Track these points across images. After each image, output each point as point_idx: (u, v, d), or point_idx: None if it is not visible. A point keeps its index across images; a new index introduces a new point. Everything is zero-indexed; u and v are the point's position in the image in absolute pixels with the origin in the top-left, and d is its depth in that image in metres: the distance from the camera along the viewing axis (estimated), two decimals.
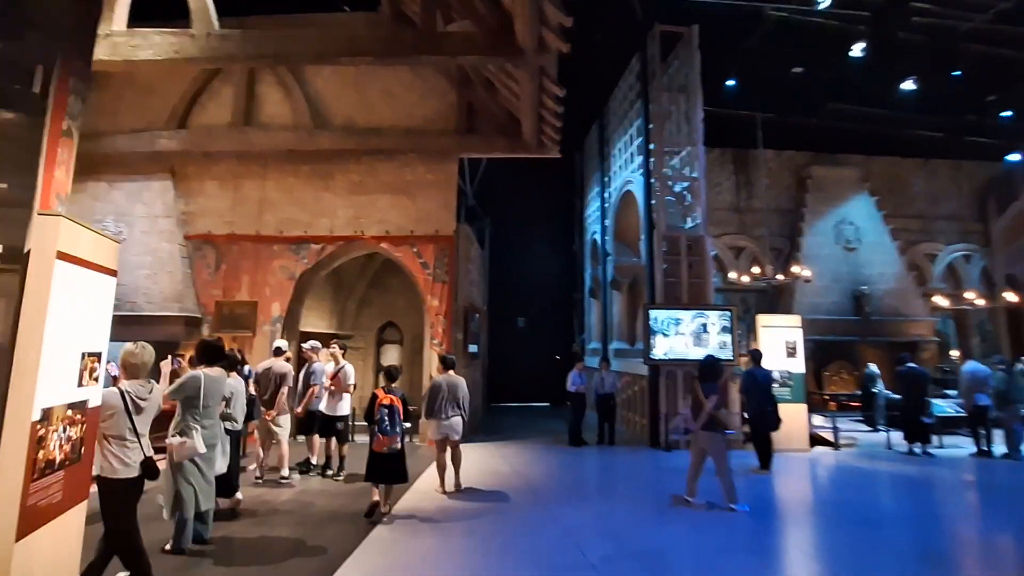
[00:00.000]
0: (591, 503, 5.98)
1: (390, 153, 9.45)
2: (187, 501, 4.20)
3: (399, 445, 5.25)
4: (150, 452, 3.70)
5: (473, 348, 10.87)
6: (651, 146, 9.94)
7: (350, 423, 7.30)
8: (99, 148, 9.71)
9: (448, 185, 9.55)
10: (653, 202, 9.82)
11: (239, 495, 5.42)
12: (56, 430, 2.53)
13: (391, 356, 14.26)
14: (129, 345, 3.67)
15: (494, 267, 14.76)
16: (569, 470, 7.61)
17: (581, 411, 9.24)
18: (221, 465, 5.12)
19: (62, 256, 2.48)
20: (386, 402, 5.23)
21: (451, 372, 6.41)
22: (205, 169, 9.76)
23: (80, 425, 2.77)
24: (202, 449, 4.25)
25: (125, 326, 9.18)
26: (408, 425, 5.45)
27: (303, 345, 7.43)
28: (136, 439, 3.58)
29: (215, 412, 4.56)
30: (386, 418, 5.15)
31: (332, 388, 6.78)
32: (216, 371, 4.59)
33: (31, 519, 2.37)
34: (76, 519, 2.84)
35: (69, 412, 2.65)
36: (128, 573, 3.57)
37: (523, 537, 4.75)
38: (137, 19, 6.83)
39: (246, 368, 7.06)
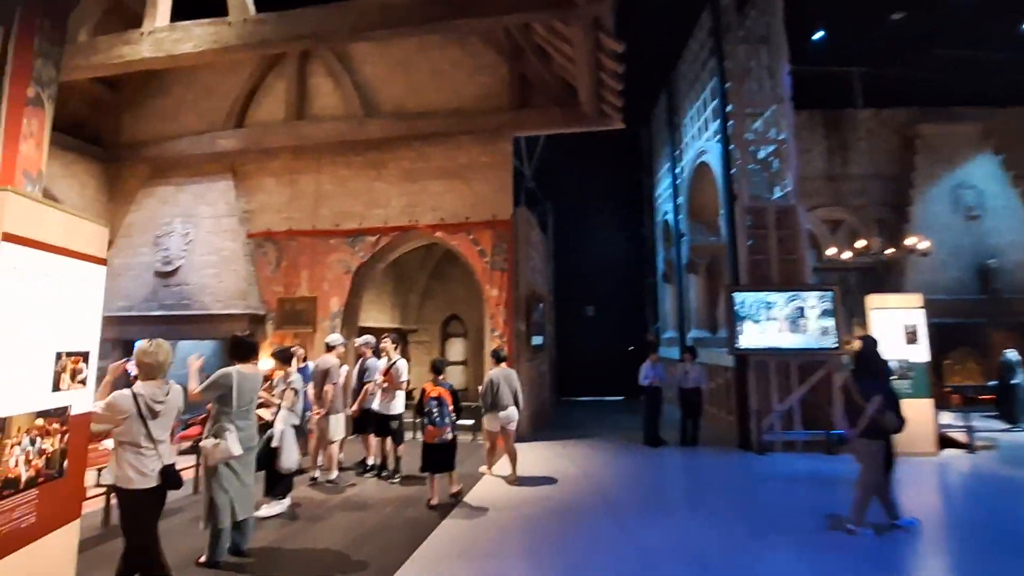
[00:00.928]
0: (673, 517, 5.11)
1: (441, 136, 8.97)
2: (222, 509, 3.87)
3: (449, 436, 5.35)
4: (171, 459, 3.37)
5: (538, 340, 10.23)
6: (728, 107, 8.78)
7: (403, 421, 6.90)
8: (164, 152, 10.00)
9: (503, 166, 8.93)
10: (733, 171, 8.68)
11: (286, 500, 5.15)
12: (17, 443, 2.14)
13: (456, 350, 13.94)
14: (143, 343, 3.34)
15: (559, 253, 14.02)
16: (646, 474, 6.76)
17: (656, 407, 8.33)
18: (290, 460, 4.96)
19: (9, 237, 2.07)
20: (434, 394, 5.35)
21: (503, 365, 6.47)
22: (263, 166, 9.77)
23: (59, 436, 2.39)
24: (237, 451, 3.90)
25: (194, 324, 9.39)
26: (455, 417, 5.42)
27: (356, 341, 7.12)
28: (153, 446, 3.25)
29: (251, 412, 4.22)
30: (435, 409, 5.29)
31: (385, 385, 6.39)
32: (250, 368, 4.25)
33: None
34: (62, 542, 2.47)
35: (39, 421, 2.27)
36: None
37: (592, 557, 4.06)
38: (181, 18, 6.74)
39: (309, 364, 6.86)
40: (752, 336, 7.83)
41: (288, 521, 4.90)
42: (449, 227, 8.97)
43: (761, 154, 8.97)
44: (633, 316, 15.55)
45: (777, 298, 7.86)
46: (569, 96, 8.40)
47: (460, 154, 9.03)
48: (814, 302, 7.83)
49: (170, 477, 3.33)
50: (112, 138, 10.46)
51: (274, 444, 5.02)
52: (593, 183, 14.64)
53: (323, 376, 6.16)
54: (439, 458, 5.35)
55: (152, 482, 3.22)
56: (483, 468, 6.59)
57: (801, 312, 7.80)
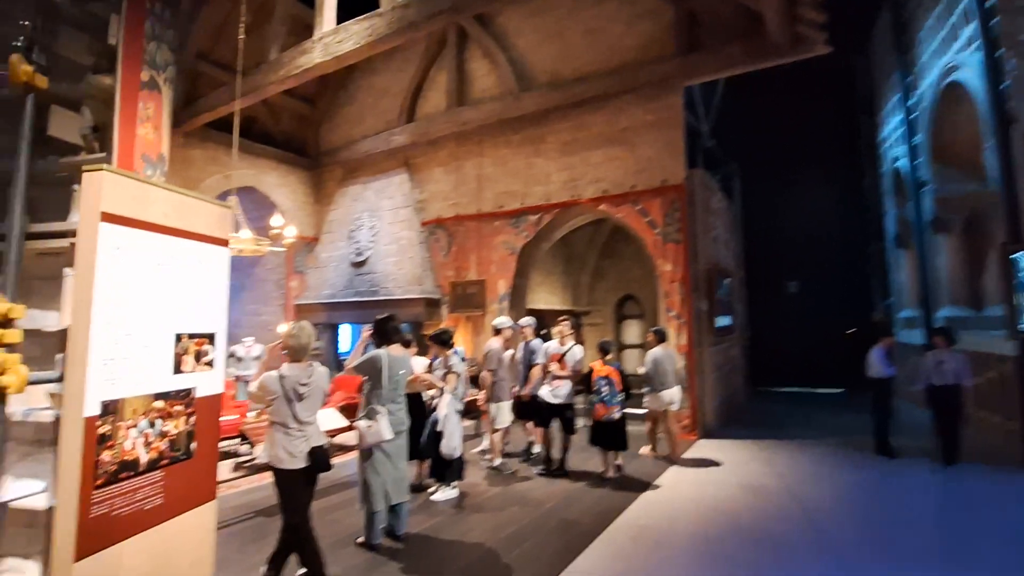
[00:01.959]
0: (925, 570, 3.58)
1: (600, 100, 8.17)
2: (375, 492, 3.84)
3: (617, 414, 5.46)
4: (319, 441, 3.37)
5: (724, 320, 8.86)
6: (990, 0, 6.32)
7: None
8: (353, 155, 11.02)
9: (672, 124, 7.79)
10: (1004, 85, 6.24)
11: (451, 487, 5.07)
12: (133, 426, 2.13)
13: (632, 332, 13.05)
14: (288, 325, 3.39)
15: (750, 220, 12.07)
16: (877, 498, 5.09)
17: (888, 406, 6.45)
18: (454, 444, 4.89)
19: (109, 218, 2.02)
20: (603, 373, 5.50)
21: (664, 345, 6.36)
22: (431, 157, 10.14)
23: (184, 418, 2.37)
24: (388, 435, 3.84)
25: (381, 308, 10.18)
26: (623, 396, 5.52)
27: (520, 322, 6.84)
28: (300, 427, 3.27)
29: (401, 396, 4.14)
30: (604, 388, 5.46)
31: (561, 372, 5.73)
32: (399, 350, 4.17)
33: (102, 533, 1.98)
34: (197, 522, 2.48)
35: (158, 404, 2.25)
36: (304, 571, 3.30)
37: None
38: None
39: (458, 349, 6.82)
40: None
41: (452, 509, 4.79)
42: (613, 198, 8.18)
43: None
44: (851, 292, 12.73)
45: None
46: (750, 27, 6.88)
47: (621, 117, 8.13)
48: None
49: (318, 458, 3.33)
50: (314, 147, 11.94)
51: (438, 428, 4.96)
52: (791, 133, 12.23)
53: (483, 360, 6.01)
54: (607, 435, 5.52)
55: (301, 463, 3.24)
56: (644, 449, 6.48)
57: None
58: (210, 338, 2.57)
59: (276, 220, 6.47)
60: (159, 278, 2.27)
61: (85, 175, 2.01)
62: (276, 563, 3.33)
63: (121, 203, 2.09)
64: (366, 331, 4.16)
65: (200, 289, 2.50)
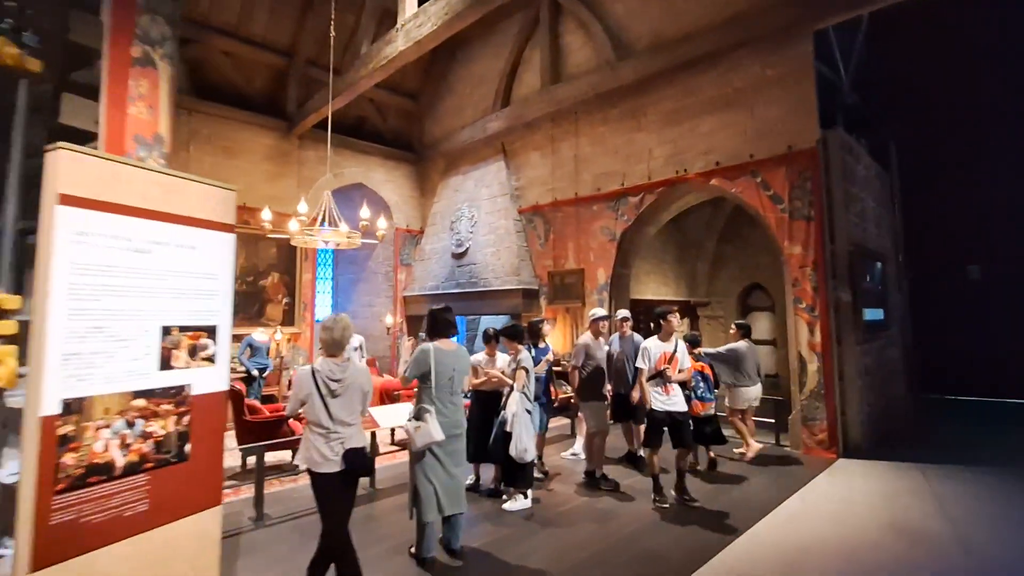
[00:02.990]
0: None
1: (709, 60, 7.06)
2: (425, 501, 3.50)
3: (713, 410, 5.47)
4: (359, 443, 3.10)
5: (875, 314, 7.27)
6: None
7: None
8: (453, 146, 10.98)
9: (799, 78, 6.47)
10: None
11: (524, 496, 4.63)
12: (106, 426, 1.95)
13: (762, 326, 11.51)
14: (325, 318, 3.15)
15: (912, 191, 9.93)
16: None
17: None
18: (523, 447, 4.44)
19: (69, 200, 1.85)
20: (698, 368, 5.40)
21: (748, 339, 6.13)
22: (527, 141, 9.71)
23: (175, 417, 2.19)
24: (438, 436, 3.48)
25: (481, 300, 10.03)
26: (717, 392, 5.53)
27: (617, 314, 6.15)
28: (334, 427, 3.02)
29: (456, 394, 3.76)
30: (701, 383, 5.40)
31: (674, 374, 4.63)
32: (450, 345, 3.79)
33: (68, 540, 1.83)
34: (197, 529, 2.29)
35: (139, 402, 2.07)
36: None
37: None
38: None
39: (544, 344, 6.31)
40: None
41: (522, 521, 4.34)
42: (727, 171, 7.06)
43: None
44: None
45: None
46: None
47: (735, 76, 6.96)
48: None
49: (355, 461, 3.06)
50: (419, 142, 12.15)
51: (507, 428, 4.55)
52: (967, 77, 9.78)
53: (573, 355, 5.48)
54: (702, 431, 5.35)
55: (336, 466, 2.98)
56: (740, 450, 6.11)
57: None
58: (210, 331, 2.37)
59: (364, 212, 6.48)
60: (140, 266, 2.09)
61: (46, 155, 1.85)
62: (315, 570, 3.13)
63: (84, 184, 1.91)
64: (409, 341, 3.97)
65: (196, 278, 2.29)
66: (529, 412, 4.68)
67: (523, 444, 4.48)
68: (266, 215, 6.35)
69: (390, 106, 11.73)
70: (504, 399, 4.75)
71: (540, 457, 5.40)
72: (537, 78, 9.36)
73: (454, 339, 3.91)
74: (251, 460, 5.20)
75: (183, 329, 2.24)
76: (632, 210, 8.09)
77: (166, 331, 2.18)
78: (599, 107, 8.45)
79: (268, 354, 8.21)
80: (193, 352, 2.29)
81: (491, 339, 5.12)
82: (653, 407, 4.59)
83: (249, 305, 9.42)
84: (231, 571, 3.34)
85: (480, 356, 5.17)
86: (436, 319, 3.78)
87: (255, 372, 7.69)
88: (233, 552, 3.62)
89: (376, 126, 11.68)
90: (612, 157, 8.33)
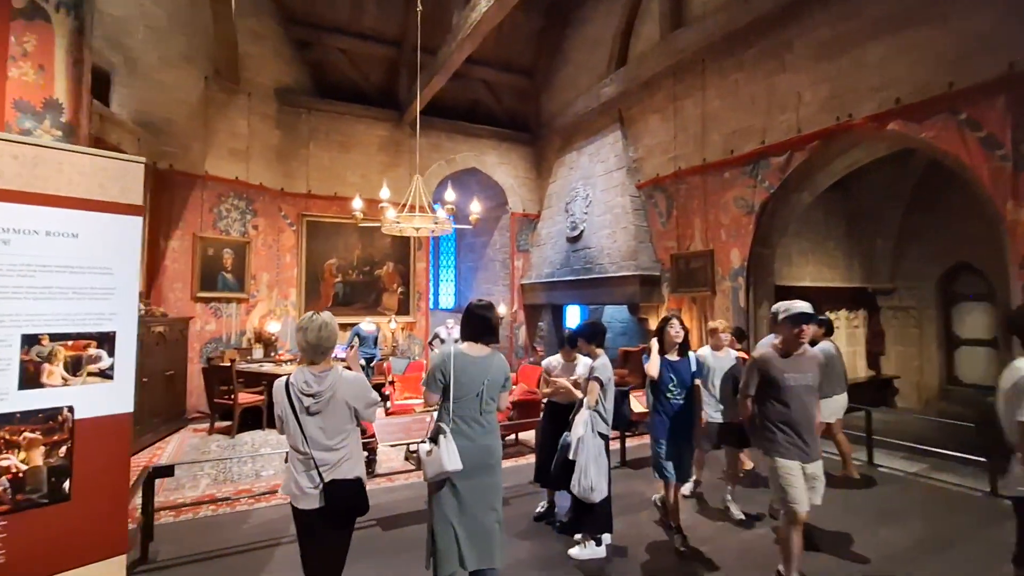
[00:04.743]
0: None
1: None
2: (442, 549, 2.58)
3: None
4: (347, 472, 2.48)
5: None
6: None
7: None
8: (567, 120, 10.09)
9: None
10: None
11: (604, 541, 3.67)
12: None
13: (975, 321, 8.76)
14: (304, 317, 2.60)
15: None
16: None
17: None
18: (591, 482, 3.45)
19: None
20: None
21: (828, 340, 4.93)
22: (646, 104, 8.41)
23: (45, 448, 1.79)
24: (451, 466, 2.56)
25: (596, 288, 9.03)
26: None
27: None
28: (314, 452, 2.45)
29: (487, 412, 2.90)
30: None
31: None
32: (477, 349, 2.94)
33: None
34: None
35: None
36: None
37: None
38: None
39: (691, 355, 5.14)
40: None
41: (598, 566, 3.43)
42: (912, 111, 5.13)
43: None
44: None
45: None
46: None
47: None
48: None
49: (338, 496, 2.45)
50: (535, 120, 11.44)
51: (570, 456, 3.61)
52: None
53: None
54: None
55: (315, 501, 2.39)
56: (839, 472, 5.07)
57: None
58: (102, 339, 1.93)
59: (449, 195, 5.98)
60: None
61: None
62: None
63: None
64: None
65: (79, 274, 1.86)
66: (604, 437, 3.67)
67: (589, 480, 3.46)
68: (357, 204, 6.18)
69: (504, 86, 11.18)
70: (572, 414, 3.82)
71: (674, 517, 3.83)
72: (656, 29, 8.00)
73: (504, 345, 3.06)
74: None
75: (58, 337, 1.82)
76: (775, 174, 6.43)
77: (30, 340, 1.78)
78: (729, 50, 6.87)
79: (375, 344, 8.25)
80: (77, 366, 1.86)
81: (570, 341, 4.23)
82: None
83: (366, 295, 9.67)
84: None
85: (553, 360, 4.32)
86: (470, 317, 2.95)
87: (362, 362, 7.73)
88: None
89: (490, 108, 11.24)
90: (748, 110, 6.72)
